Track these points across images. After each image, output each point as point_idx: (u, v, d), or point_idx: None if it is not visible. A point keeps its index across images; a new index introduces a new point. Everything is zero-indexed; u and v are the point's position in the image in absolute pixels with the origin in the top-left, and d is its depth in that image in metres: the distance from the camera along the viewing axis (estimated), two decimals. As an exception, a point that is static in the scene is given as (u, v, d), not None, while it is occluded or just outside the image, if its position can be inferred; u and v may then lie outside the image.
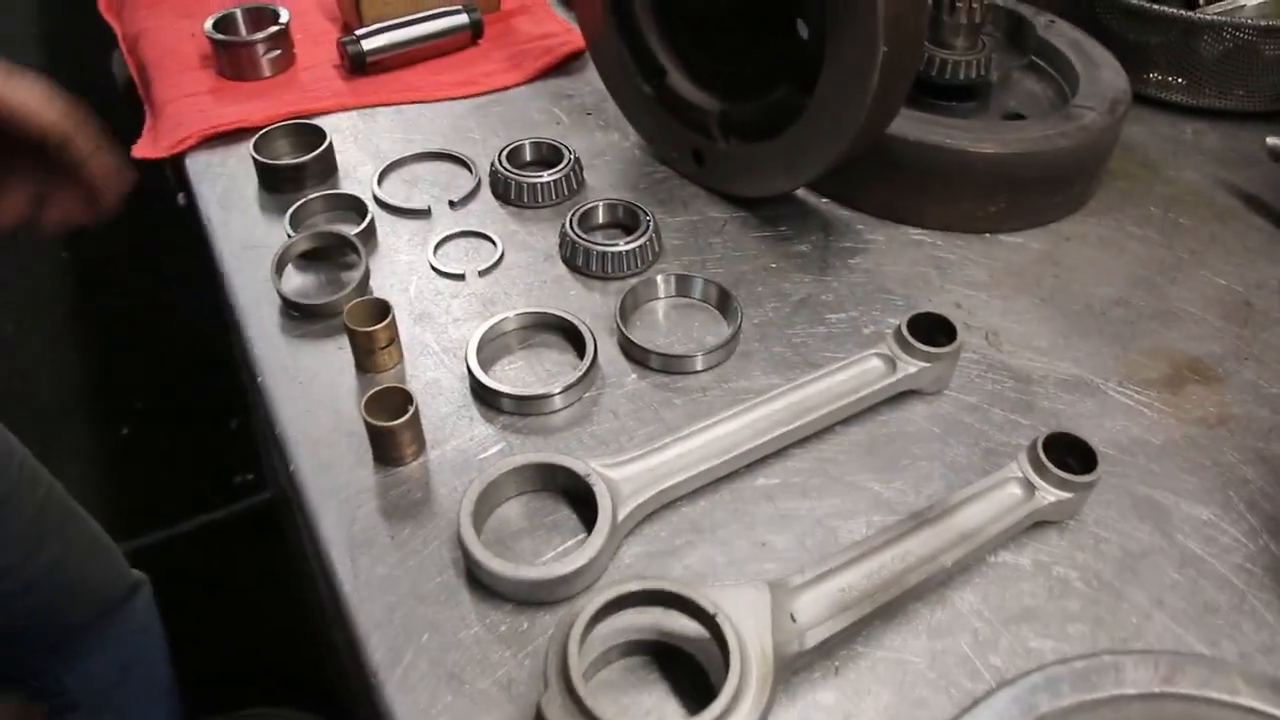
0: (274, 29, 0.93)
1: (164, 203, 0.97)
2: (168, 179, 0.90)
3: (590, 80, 0.97)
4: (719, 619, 0.45)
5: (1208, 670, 0.48)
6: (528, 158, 0.84)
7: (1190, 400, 0.69)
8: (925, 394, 0.67)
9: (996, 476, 0.58)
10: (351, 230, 0.74)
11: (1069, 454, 0.58)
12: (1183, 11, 0.94)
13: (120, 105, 1.59)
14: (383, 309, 0.64)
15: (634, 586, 0.46)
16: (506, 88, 0.95)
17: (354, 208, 0.78)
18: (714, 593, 0.47)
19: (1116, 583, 0.56)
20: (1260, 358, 0.72)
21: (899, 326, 0.65)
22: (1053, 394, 0.68)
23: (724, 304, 0.71)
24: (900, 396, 0.66)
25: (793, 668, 0.49)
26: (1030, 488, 0.57)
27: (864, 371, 0.64)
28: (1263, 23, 0.92)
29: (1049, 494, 0.57)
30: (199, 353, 1.62)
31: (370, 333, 0.63)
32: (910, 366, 0.64)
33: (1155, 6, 0.94)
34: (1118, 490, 0.62)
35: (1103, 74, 0.87)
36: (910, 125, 0.78)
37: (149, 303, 1.65)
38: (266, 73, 0.94)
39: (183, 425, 1.80)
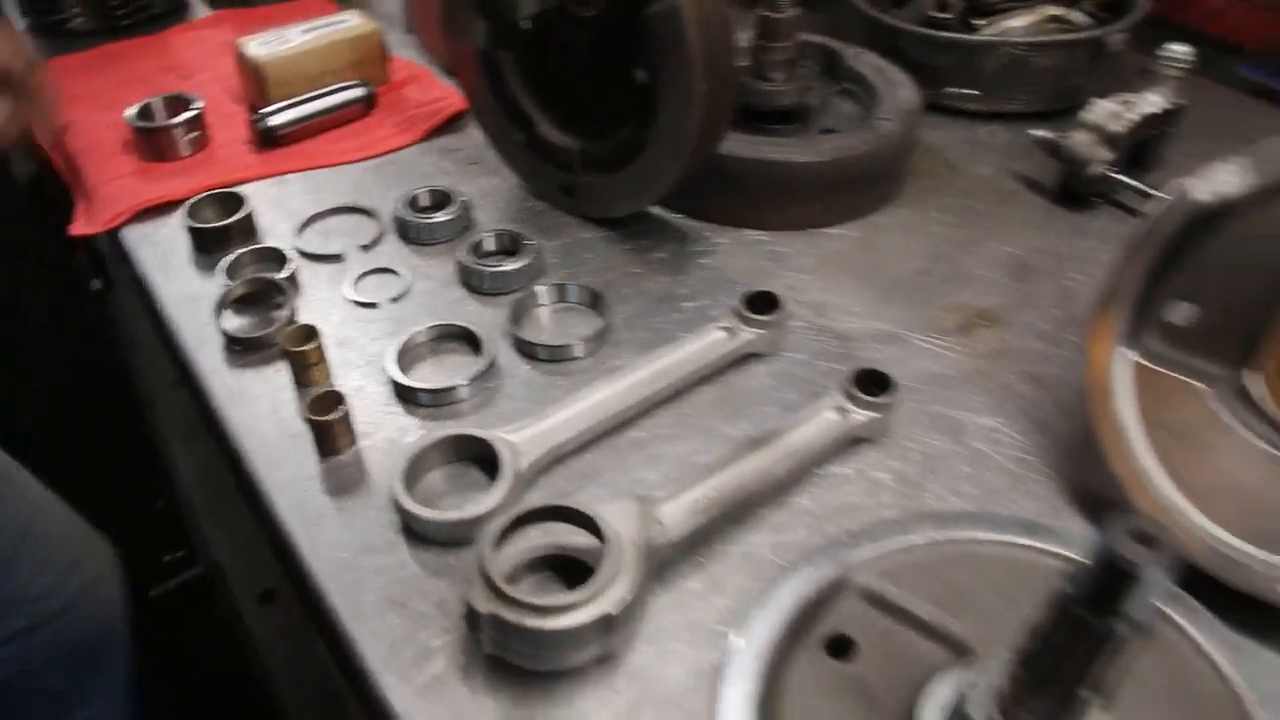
0: (190, 114, 1.06)
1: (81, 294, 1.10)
2: (82, 271, 1.03)
3: (472, 135, 1.12)
4: (598, 521, 0.59)
5: (972, 520, 0.64)
6: (424, 203, 0.98)
7: (979, 340, 0.85)
8: (764, 356, 0.82)
9: (816, 405, 0.73)
10: (277, 275, 0.88)
11: (875, 385, 0.74)
12: (965, 36, 1.13)
13: (21, 200, 1.69)
14: (311, 331, 0.78)
15: (534, 505, 0.60)
16: (400, 148, 1.10)
17: (277, 258, 0.91)
18: (595, 506, 0.61)
19: (920, 479, 0.72)
20: (1035, 305, 0.89)
21: (737, 305, 0.81)
22: (868, 346, 0.84)
23: (596, 304, 0.86)
24: (744, 359, 0.81)
25: (661, 558, 0.63)
26: (844, 411, 0.73)
27: (711, 342, 0.80)
28: (1028, 39, 1.12)
29: (859, 415, 0.73)
30: (115, 441, 1.71)
31: (303, 351, 0.77)
32: (748, 334, 0.80)
33: (942, 34, 1.13)
34: (920, 412, 0.77)
35: (899, 91, 1.04)
36: (742, 146, 0.94)
37: (63, 394, 1.73)
38: (185, 153, 1.07)
39: (106, 512, 1.88)
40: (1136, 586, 0.40)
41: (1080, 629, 0.42)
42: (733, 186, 0.95)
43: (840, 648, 0.57)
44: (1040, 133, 1.03)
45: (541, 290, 0.86)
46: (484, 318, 0.86)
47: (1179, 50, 1.01)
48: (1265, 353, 0.66)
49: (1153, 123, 1.02)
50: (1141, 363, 0.70)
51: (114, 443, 1.98)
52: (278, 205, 1.01)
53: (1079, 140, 1.00)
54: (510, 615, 0.55)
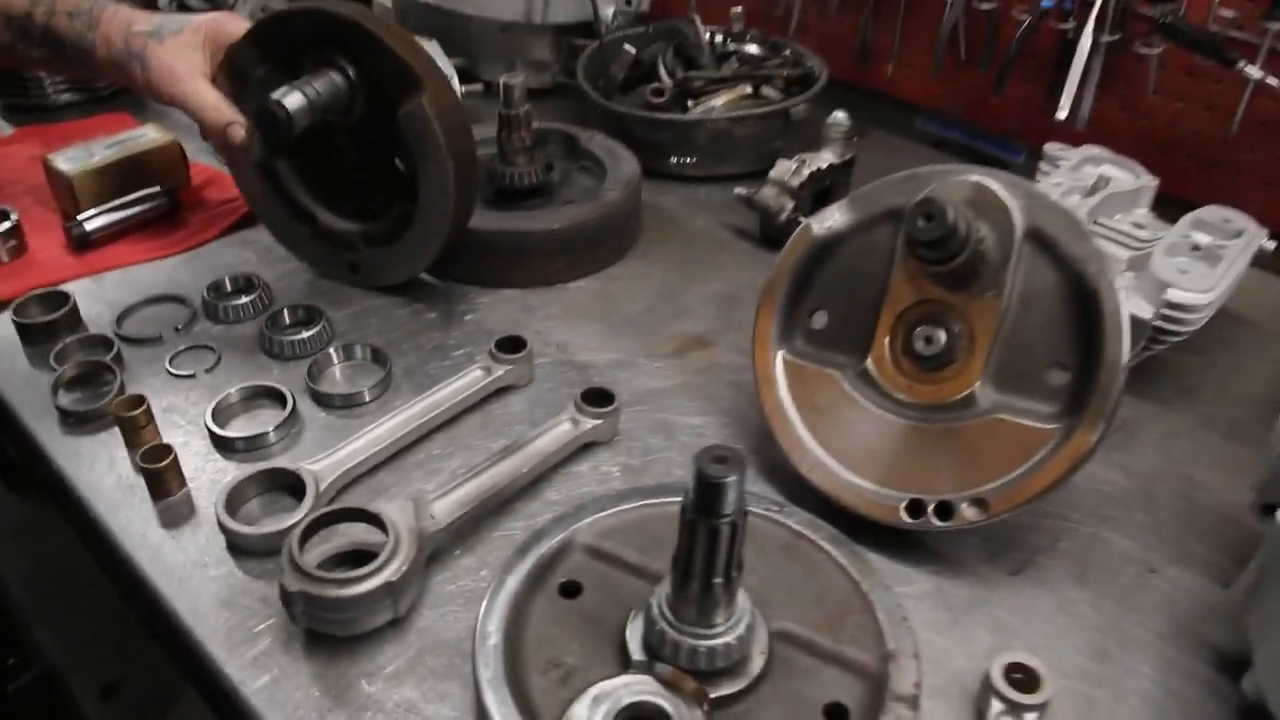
0: (7, 225, 1.20)
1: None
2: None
3: (259, 232, 1.29)
4: (381, 516, 0.78)
5: (666, 490, 0.85)
6: (228, 289, 1.15)
7: (691, 360, 1.08)
8: (519, 387, 1.03)
9: (555, 419, 0.94)
10: (104, 357, 1.03)
11: (601, 399, 0.95)
12: (677, 116, 1.38)
13: None
14: (139, 399, 0.94)
15: (328, 508, 0.79)
16: (204, 243, 1.26)
17: (102, 344, 1.06)
18: (378, 504, 0.80)
19: (642, 469, 0.93)
20: (738, 328, 1.13)
21: (490, 347, 1.01)
22: (602, 372, 1.06)
23: (379, 358, 1.05)
24: (500, 391, 1.02)
25: (436, 544, 0.82)
26: (576, 422, 0.94)
27: (472, 379, 1.00)
28: (729, 115, 1.37)
29: (588, 423, 0.94)
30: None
31: (133, 416, 0.93)
32: (500, 370, 1.00)
33: (660, 115, 1.37)
34: (643, 419, 0.99)
35: (623, 166, 1.28)
36: (493, 220, 1.16)
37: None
38: (5, 259, 1.21)
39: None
40: (723, 492, 0.61)
41: (695, 531, 0.63)
42: (488, 254, 1.16)
43: (570, 591, 0.77)
44: (740, 190, 1.28)
45: (333, 352, 1.05)
46: (286, 377, 1.03)
47: (840, 117, 1.28)
48: (876, 342, 0.90)
49: (826, 174, 1.29)
50: (791, 360, 0.94)
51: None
52: (98, 298, 1.16)
53: (767, 194, 1.25)
54: (315, 589, 0.73)
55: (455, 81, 1.48)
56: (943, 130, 1.62)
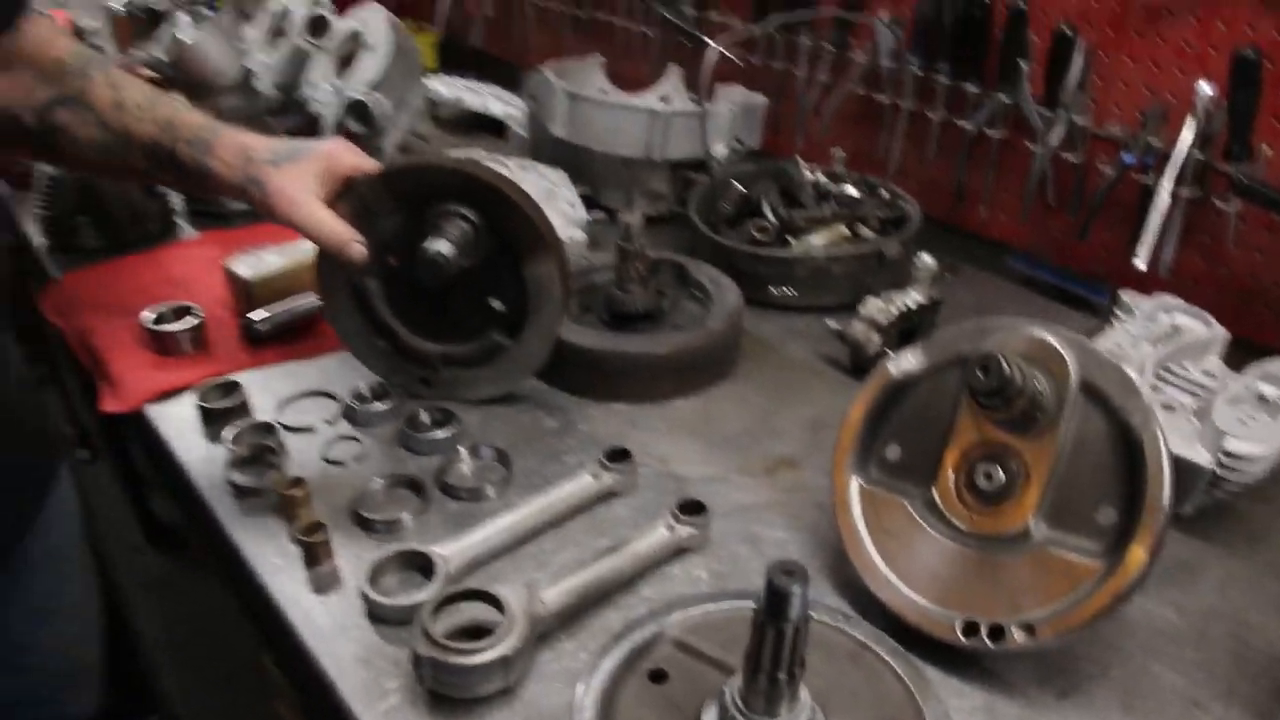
0: (195, 322, 1.40)
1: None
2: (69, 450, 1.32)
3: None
4: (499, 597, 0.91)
5: (748, 595, 0.97)
6: (368, 394, 1.31)
7: (780, 479, 1.20)
8: (623, 494, 1.16)
9: (653, 525, 1.07)
10: (269, 441, 1.20)
11: (694, 510, 1.08)
12: (779, 252, 1.52)
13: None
14: (299, 480, 1.09)
15: (455, 587, 0.92)
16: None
17: (267, 430, 1.23)
18: (497, 588, 0.93)
19: (727, 574, 1.05)
20: (825, 451, 1.23)
21: (600, 456, 1.15)
22: (698, 485, 1.18)
23: (504, 460, 1.19)
24: (608, 496, 1.15)
25: (544, 626, 0.94)
26: (672, 529, 1.06)
27: (582, 484, 1.13)
28: (827, 254, 1.51)
29: (682, 530, 1.06)
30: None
31: (293, 495, 1.08)
32: (607, 477, 1.14)
33: (763, 251, 1.52)
34: (732, 531, 1.11)
35: (727, 296, 1.42)
36: (609, 340, 1.31)
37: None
38: (189, 350, 1.40)
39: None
40: (789, 600, 0.73)
41: (764, 631, 0.75)
42: (603, 371, 1.30)
43: (657, 677, 0.89)
44: (833, 324, 1.41)
45: (462, 450, 1.20)
46: (421, 469, 1.18)
47: (927, 261, 1.40)
48: (941, 475, 1.01)
49: (914, 313, 1.40)
50: (866, 486, 1.05)
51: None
52: (264, 388, 1.33)
53: (857, 329, 1.38)
54: (441, 656, 0.86)
55: (580, 208, 1.65)
56: (1031, 270, 1.73)
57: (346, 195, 1.18)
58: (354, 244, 1.15)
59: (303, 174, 1.15)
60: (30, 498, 1.25)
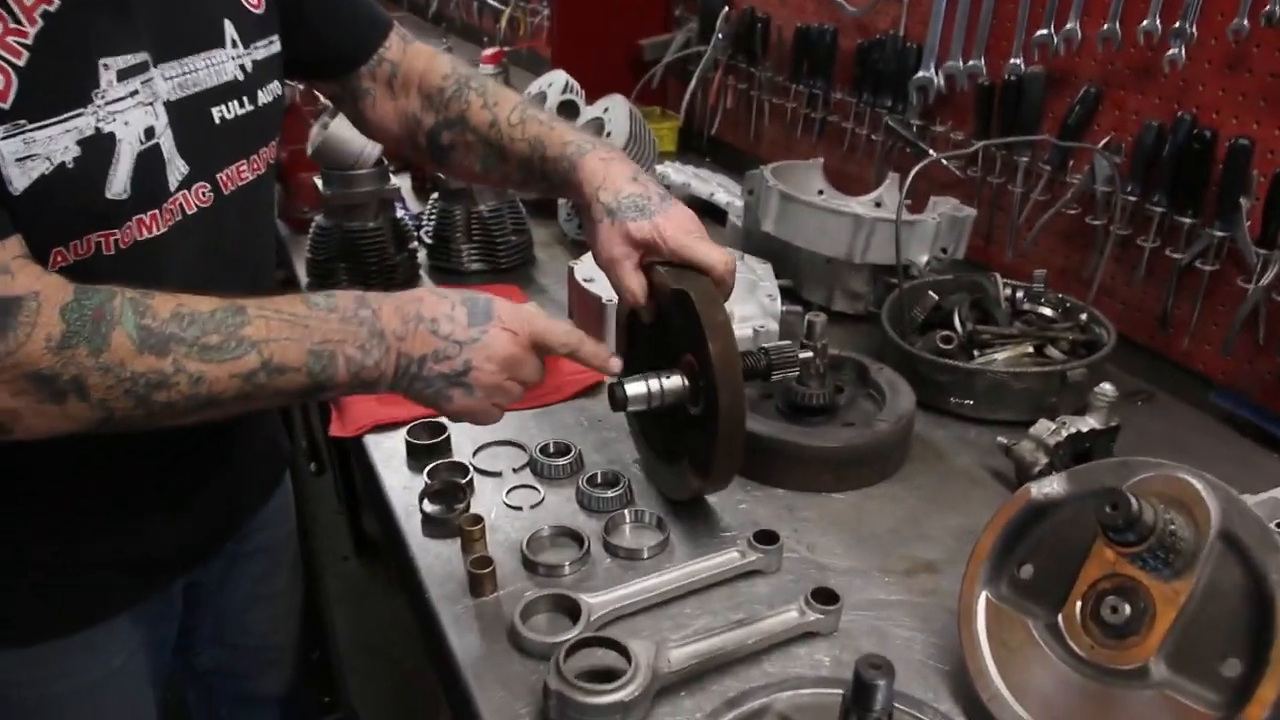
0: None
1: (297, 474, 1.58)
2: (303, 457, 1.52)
3: (597, 399, 1.60)
4: (628, 647, 1.01)
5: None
6: (552, 450, 1.44)
7: (918, 581, 1.24)
8: (766, 573, 1.23)
9: (787, 606, 1.14)
10: (460, 480, 1.35)
11: (827, 598, 1.14)
12: (960, 363, 1.56)
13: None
14: (477, 518, 1.23)
15: (592, 633, 1.03)
16: (551, 404, 1.58)
17: (460, 469, 1.39)
18: (627, 639, 1.03)
19: (848, 663, 1.10)
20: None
21: (749, 535, 1.23)
22: (837, 575, 1.24)
23: (661, 525, 1.29)
24: (751, 573, 1.23)
25: (665, 681, 1.03)
26: (803, 612, 1.13)
27: (729, 558, 1.22)
28: (1010, 370, 1.54)
29: (812, 615, 1.13)
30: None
31: (471, 530, 1.22)
32: (753, 555, 1.22)
33: (944, 360, 1.57)
34: (862, 623, 1.17)
35: (901, 399, 1.47)
36: (782, 429, 1.39)
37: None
38: (409, 390, 1.58)
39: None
40: (873, 692, 0.79)
41: (848, 719, 0.81)
42: (771, 457, 1.39)
43: (763, 747, 0.96)
44: (1002, 440, 1.44)
45: (627, 513, 1.31)
46: (588, 524, 1.30)
47: (1107, 388, 1.41)
48: (1069, 602, 1.03)
49: (1086, 438, 1.41)
50: (994, 601, 1.08)
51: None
52: (463, 430, 1.49)
53: (1024, 448, 1.40)
54: (569, 692, 0.96)
55: (778, 300, 1.75)
56: (1234, 407, 1.68)
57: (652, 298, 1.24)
58: (614, 360, 1.18)
59: (621, 239, 1.20)
60: (258, 493, 1.45)
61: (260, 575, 1.53)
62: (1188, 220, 1.65)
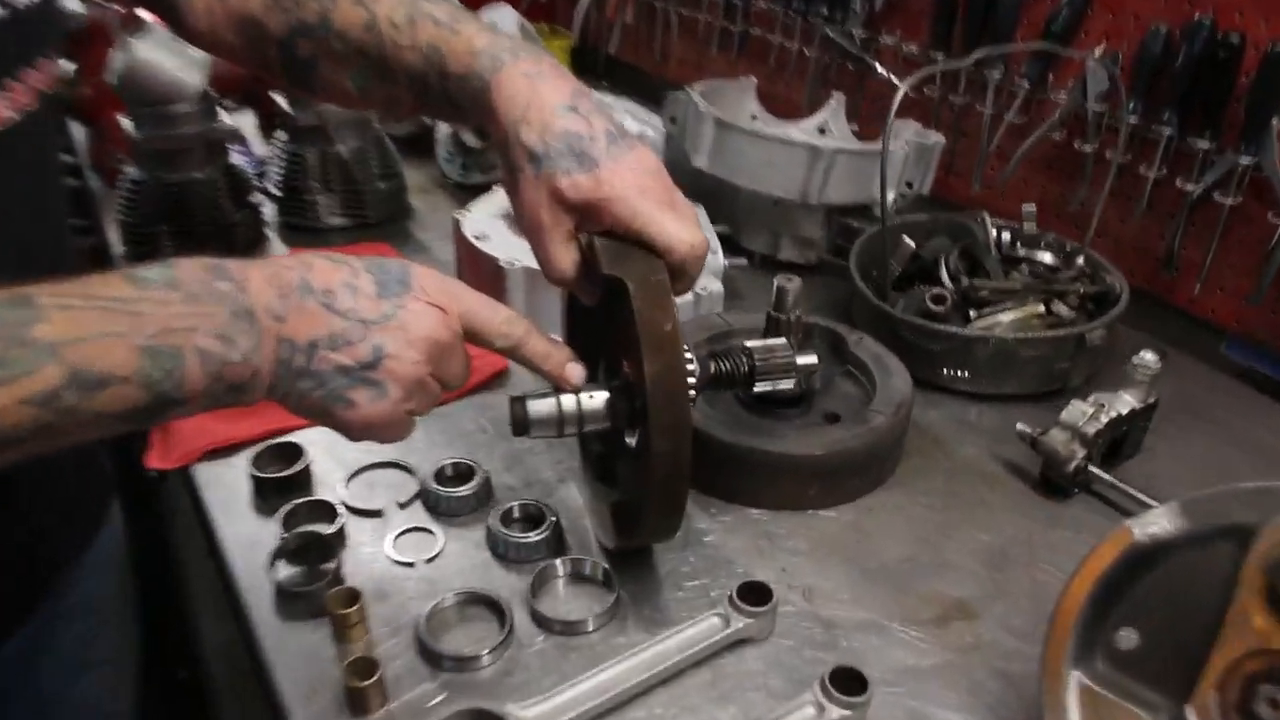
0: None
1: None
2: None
3: (506, 392, 1.24)
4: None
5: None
6: (449, 474, 1.09)
7: (953, 633, 0.94)
8: (756, 640, 0.91)
9: (798, 700, 0.82)
10: (327, 530, 0.99)
11: (853, 682, 0.83)
12: (958, 329, 1.25)
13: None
14: (354, 595, 0.88)
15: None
16: (445, 402, 1.22)
17: (328, 513, 1.02)
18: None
19: (886, 777, 0.80)
20: (1008, 596, 0.98)
21: (730, 593, 0.90)
22: (850, 634, 0.93)
23: (609, 581, 0.95)
24: (738, 643, 0.90)
25: None
26: (822, 709, 0.81)
27: (707, 628, 0.89)
28: (1018, 335, 1.24)
29: (835, 711, 0.81)
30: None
31: (345, 614, 0.87)
32: (740, 622, 0.89)
33: (938, 326, 1.25)
34: (894, 706, 0.86)
35: (894, 381, 1.16)
36: (748, 433, 1.06)
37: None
38: (254, 396, 1.20)
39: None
40: None
41: None
42: (737, 470, 1.06)
43: None
44: (1024, 428, 1.14)
45: (560, 565, 0.96)
46: (507, 585, 0.96)
47: (1149, 358, 1.12)
48: (1201, 688, 0.74)
49: (1125, 420, 1.13)
50: (1089, 685, 0.78)
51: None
52: (330, 453, 1.12)
53: (1057, 438, 1.10)
54: None
55: (720, 255, 1.41)
56: (1252, 361, 1.43)
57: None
58: (574, 365, 0.90)
59: (558, 191, 0.85)
60: (71, 539, 1.08)
61: (87, 637, 1.15)
62: (1203, 145, 1.37)
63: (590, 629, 0.91)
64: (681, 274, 0.87)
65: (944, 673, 0.90)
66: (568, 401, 0.88)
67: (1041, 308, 1.29)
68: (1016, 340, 1.24)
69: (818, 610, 0.95)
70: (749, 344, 1.03)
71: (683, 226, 0.86)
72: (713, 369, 1.01)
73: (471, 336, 0.82)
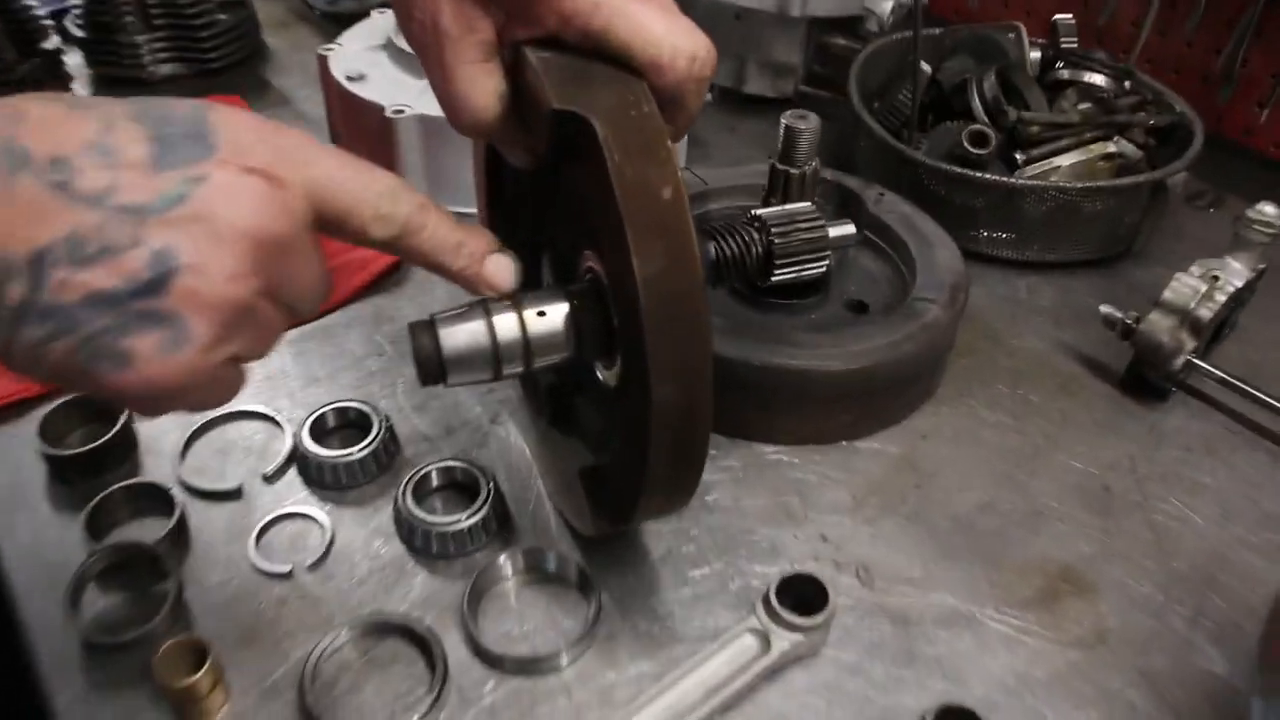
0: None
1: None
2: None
3: (413, 295, 0.91)
4: None
5: None
6: (332, 424, 0.77)
7: (1067, 618, 0.67)
8: (805, 660, 0.63)
9: (891, 778, 0.54)
10: (160, 530, 0.66)
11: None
12: (1005, 179, 0.95)
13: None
14: (199, 651, 0.56)
15: None
16: (324, 313, 0.88)
17: (161, 500, 0.69)
18: None
19: None
20: (1126, 553, 0.71)
21: (767, 594, 0.61)
22: (931, 633, 0.65)
23: (583, 582, 0.65)
24: (781, 667, 0.62)
25: None
26: (928, 783, 0.54)
27: (738, 653, 0.60)
28: (1082, 185, 0.94)
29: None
30: None
31: (187, 687, 0.55)
32: (784, 641, 0.60)
33: (979, 175, 0.95)
34: (1011, 746, 0.59)
35: (938, 255, 0.86)
36: (750, 342, 0.75)
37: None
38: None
39: None
40: None
41: None
42: (741, 395, 0.75)
43: None
44: (1110, 311, 0.85)
45: (505, 562, 0.66)
46: (433, 596, 0.65)
47: (1270, 212, 0.84)
48: None
49: (1240, 296, 0.85)
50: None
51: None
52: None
53: (1159, 326, 0.82)
54: None
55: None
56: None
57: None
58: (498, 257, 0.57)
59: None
60: None
61: None
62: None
63: (563, 663, 0.61)
64: (679, 105, 0.55)
65: (1064, 683, 0.63)
66: (504, 324, 0.56)
67: (1110, 146, 0.99)
68: (1082, 191, 0.94)
69: (882, 599, 0.67)
70: (759, 212, 0.72)
71: (674, 23, 0.53)
72: (714, 254, 0.70)
73: (329, 224, 0.50)
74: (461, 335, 0.56)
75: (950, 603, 0.67)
